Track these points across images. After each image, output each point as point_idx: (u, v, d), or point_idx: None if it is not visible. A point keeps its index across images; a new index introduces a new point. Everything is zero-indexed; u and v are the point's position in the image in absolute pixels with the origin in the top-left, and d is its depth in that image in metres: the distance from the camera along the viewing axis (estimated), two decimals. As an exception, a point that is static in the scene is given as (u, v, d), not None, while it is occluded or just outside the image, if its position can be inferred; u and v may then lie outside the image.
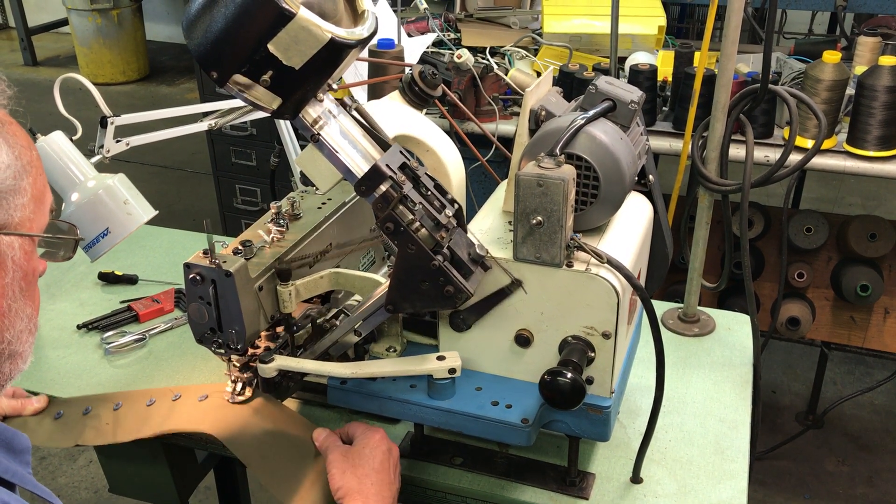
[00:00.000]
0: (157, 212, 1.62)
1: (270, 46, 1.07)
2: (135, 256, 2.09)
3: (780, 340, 3.34)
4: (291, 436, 1.38)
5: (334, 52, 1.10)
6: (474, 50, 2.86)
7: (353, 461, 1.26)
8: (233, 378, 1.45)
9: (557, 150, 1.20)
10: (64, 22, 7.30)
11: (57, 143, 1.56)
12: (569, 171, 1.18)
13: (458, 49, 2.62)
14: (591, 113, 1.27)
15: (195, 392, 1.51)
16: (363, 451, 1.27)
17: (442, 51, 3.01)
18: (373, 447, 1.27)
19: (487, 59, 2.76)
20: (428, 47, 2.98)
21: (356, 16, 1.19)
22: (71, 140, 1.59)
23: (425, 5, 3.09)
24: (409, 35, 3.05)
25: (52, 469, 3.14)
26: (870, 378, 3.59)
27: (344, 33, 1.10)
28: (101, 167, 1.64)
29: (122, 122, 1.69)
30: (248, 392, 1.45)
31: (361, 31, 1.14)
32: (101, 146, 1.68)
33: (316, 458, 1.33)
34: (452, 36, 3.14)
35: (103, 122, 1.67)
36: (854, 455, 3.21)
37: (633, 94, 1.33)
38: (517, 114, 2.70)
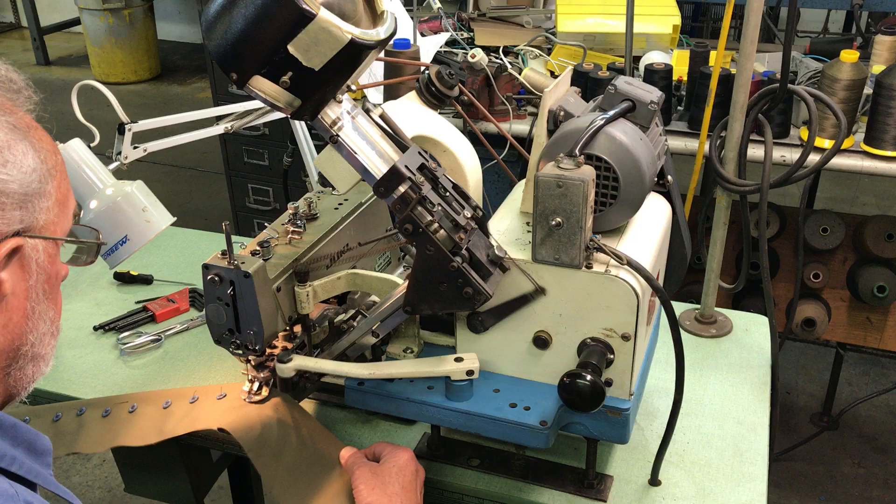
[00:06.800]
0: (176, 218, 1.62)
1: (290, 47, 1.06)
2: (150, 256, 2.09)
3: (794, 341, 3.32)
4: (309, 444, 1.37)
5: (354, 53, 1.10)
6: (487, 49, 2.85)
7: (381, 479, 1.24)
8: (250, 378, 1.45)
9: (577, 151, 1.19)
10: (76, 21, 7.32)
11: (75, 151, 1.56)
12: (588, 171, 1.17)
13: (471, 48, 2.61)
14: (610, 113, 1.26)
15: (125, 404, 1.50)
16: (391, 470, 1.25)
17: (455, 50, 3.00)
18: (401, 467, 1.26)
19: (501, 59, 2.75)
20: (441, 47, 2.98)
21: (375, 16, 1.18)
22: (88, 147, 1.59)
23: (438, 4, 3.09)
24: (423, 34, 3.04)
25: (66, 468, 3.15)
26: (885, 380, 3.57)
27: (363, 34, 1.10)
28: (118, 171, 1.64)
29: (140, 128, 1.69)
30: (265, 392, 1.45)
31: (381, 32, 1.14)
32: (119, 153, 1.68)
33: (340, 474, 1.32)
34: (465, 35, 3.13)
35: (121, 130, 1.67)
36: (869, 457, 3.19)
37: (653, 94, 1.32)
38: (531, 113, 2.69)
